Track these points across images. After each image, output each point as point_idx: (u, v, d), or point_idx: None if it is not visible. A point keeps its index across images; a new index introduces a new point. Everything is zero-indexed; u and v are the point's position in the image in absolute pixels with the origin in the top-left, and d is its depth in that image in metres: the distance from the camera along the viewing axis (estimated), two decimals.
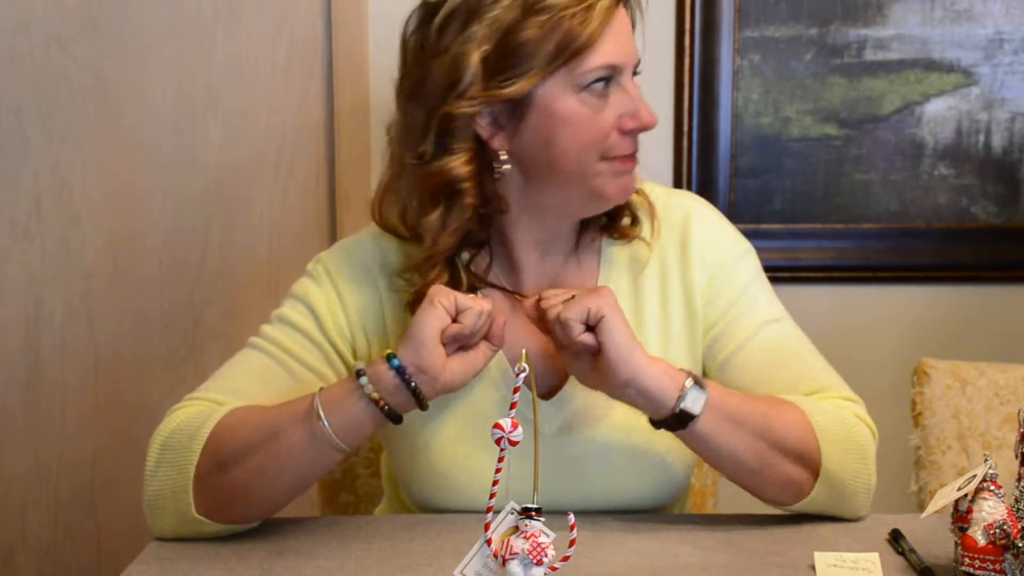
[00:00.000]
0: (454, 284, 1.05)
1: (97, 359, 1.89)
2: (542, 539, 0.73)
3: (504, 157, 1.03)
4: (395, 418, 0.97)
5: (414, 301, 1.05)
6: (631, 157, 1.05)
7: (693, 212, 1.13)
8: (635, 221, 1.11)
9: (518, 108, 1.01)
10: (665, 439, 1.04)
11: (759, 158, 1.71)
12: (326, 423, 0.95)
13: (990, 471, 0.89)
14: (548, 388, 1.08)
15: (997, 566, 0.87)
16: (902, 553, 0.97)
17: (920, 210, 1.73)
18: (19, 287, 1.87)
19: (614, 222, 1.11)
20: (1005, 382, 1.38)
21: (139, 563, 0.94)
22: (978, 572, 0.88)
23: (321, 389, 0.99)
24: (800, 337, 1.13)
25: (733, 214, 1.19)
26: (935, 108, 1.71)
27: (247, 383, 1.06)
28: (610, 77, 1.02)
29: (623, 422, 1.07)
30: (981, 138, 1.71)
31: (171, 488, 1.00)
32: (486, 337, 0.99)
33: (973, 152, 1.72)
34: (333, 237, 1.88)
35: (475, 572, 0.74)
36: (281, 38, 1.83)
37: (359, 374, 0.96)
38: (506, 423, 0.74)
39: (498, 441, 0.74)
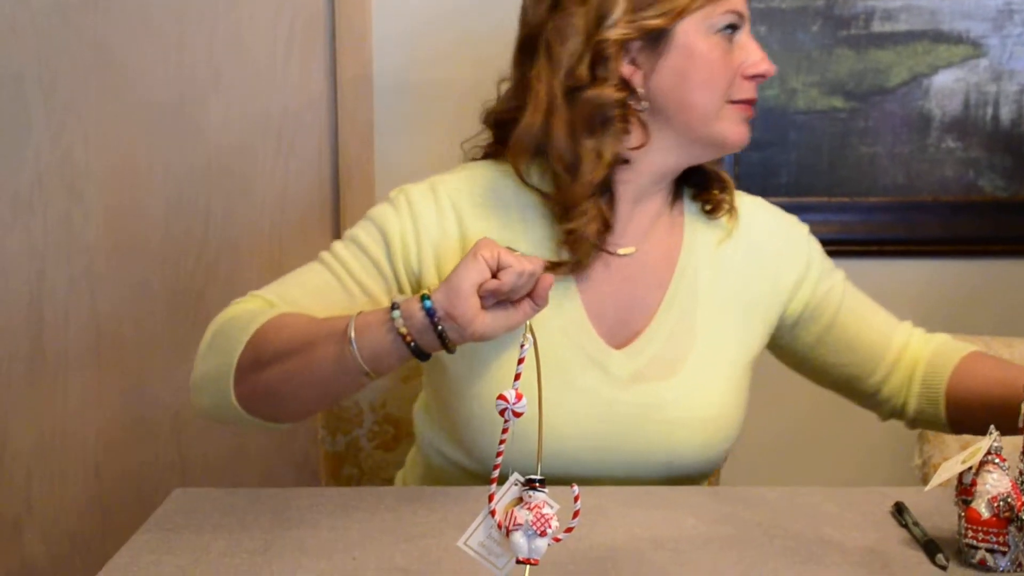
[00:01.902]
0: (603, 224, 1.10)
1: (99, 333, 1.90)
2: (546, 510, 0.73)
3: (642, 92, 1.09)
4: (421, 355, 1.00)
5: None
6: (752, 103, 1.12)
7: (753, 198, 1.23)
8: (723, 191, 1.18)
9: (658, 45, 1.08)
10: (729, 396, 1.14)
11: (765, 131, 1.70)
12: (355, 345, 0.99)
13: (995, 444, 0.89)
14: (622, 338, 1.13)
15: (1001, 539, 0.88)
16: (905, 526, 0.98)
17: (927, 183, 1.73)
18: (21, 261, 1.87)
19: (703, 191, 1.19)
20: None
21: (143, 533, 0.95)
22: (982, 545, 0.88)
23: (360, 313, 1.02)
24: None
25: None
26: (943, 80, 1.70)
27: (305, 295, 1.10)
28: (736, 25, 1.10)
29: (693, 376, 1.13)
30: (989, 110, 1.70)
31: (215, 373, 1.05)
32: (531, 295, 1.00)
33: (981, 125, 1.71)
34: (336, 212, 1.88)
35: (479, 543, 0.74)
36: (283, 10, 1.82)
37: (394, 307, 0.99)
38: (510, 394, 0.74)
39: (502, 412, 0.74)
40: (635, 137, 1.11)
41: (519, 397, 0.74)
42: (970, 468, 0.89)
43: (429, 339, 0.99)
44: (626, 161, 1.12)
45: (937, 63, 1.69)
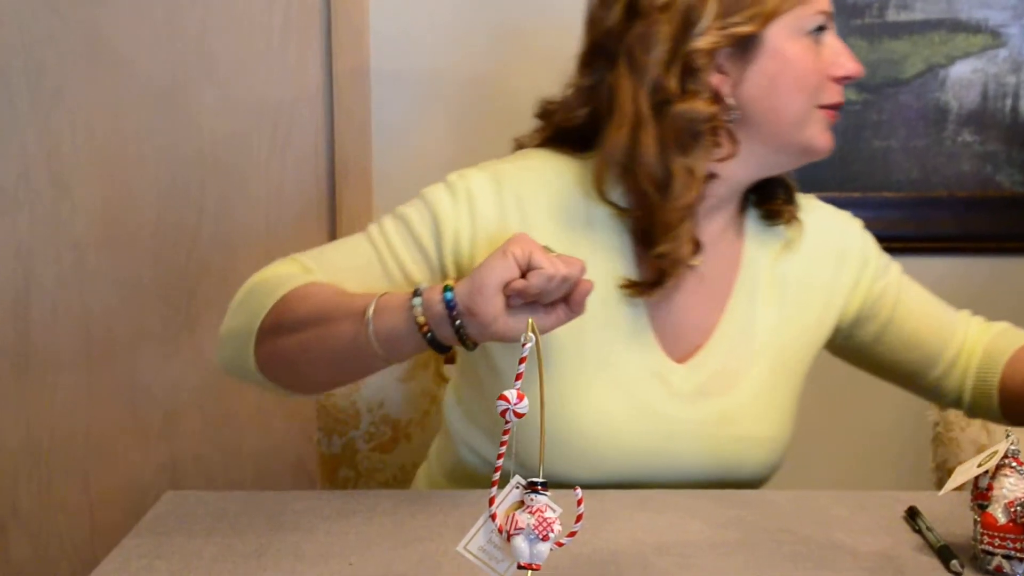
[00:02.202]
0: (695, 245, 1.09)
1: (89, 330, 1.90)
2: (548, 514, 0.73)
3: (731, 101, 1.08)
4: (439, 347, 0.98)
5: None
6: (839, 107, 1.11)
7: (806, 197, 1.21)
8: (787, 201, 1.17)
9: (747, 51, 1.07)
10: (787, 412, 1.15)
11: None
12: (371, 326, 0.97)
13: (1012, 447, 0.89)
14: (683, 352, 1.13)
15: (1018, 544, 0.87)
16: (919, 531, 0.98)
17: (942, 178, 1.72)
18: (7, 256, 1.87)
19: (767, 200, 1.17)
20: None
21: (134, 537, 0.94)
22: (998, 551, 0.88)
23: (385, 294, 1.00)
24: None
25: None
26: (960, 71, 1.70)
27: (344, 268, 1.09)
28: (824, 26, 1.09)
29: (754, 390, 1.13)
30: (1008, 102, 1.70)
31: (239, 331, 1.06)
32: (567, 300, 0.97)
33: (999, 117, 1.71)
34: (332, 206, 1.88)
35: (479, 547, 0.74)
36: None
37: (416, 292, 0.97)
38: (512, 395, 0.74)
39: (503, 413, 0.74)
40: (723, 149, 1.09)
41: (520, 397, 0.74)
42: (986, 472, 0.89)
43: (446, 332, 0.96)
44: (713, 176, 1.10)
45: (954, 53, 1.69)
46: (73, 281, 1.88)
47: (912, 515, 1.01)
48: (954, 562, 0.89)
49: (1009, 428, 0.91)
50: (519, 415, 0.74)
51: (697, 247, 1.10)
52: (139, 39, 1.82)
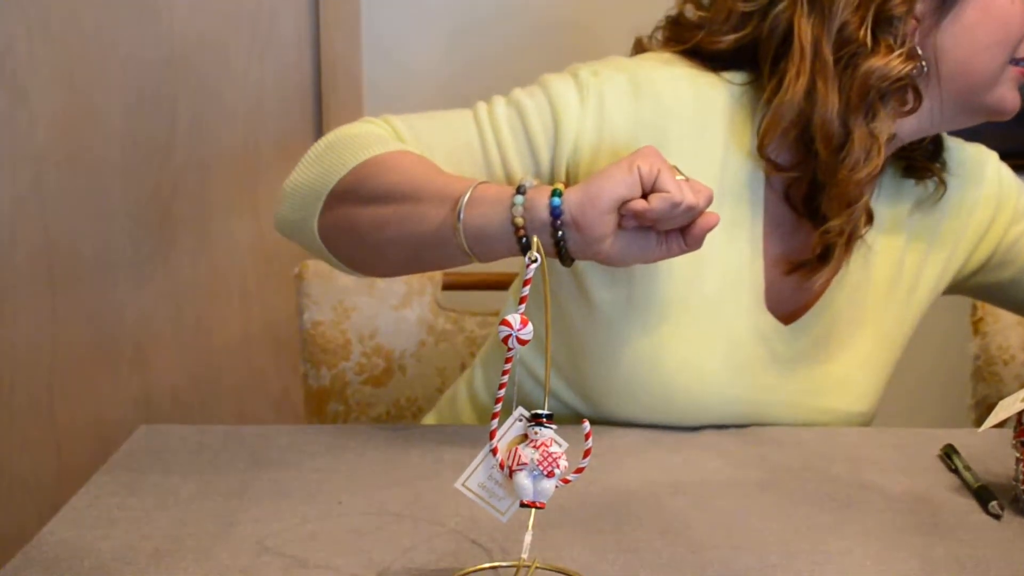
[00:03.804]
0: (869, 216, 1.07)
1: (52, 254, 1.90)
2: (553, 449, 0.73)
3: (920, 53, 1.04)
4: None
5: None
6: None
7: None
8: (935, 157, 1.15)
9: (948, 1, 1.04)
10: (883, 386, 1.15)
11: None
12: (462, 215, 0.94)
13: None
14: (788, 312, 1.11)
15: None
16: (956, 471, 0.99)
17: None
18: None
19: (912, 153, 1.13)
20: None
21: (105, 474, 0.96)
22: None
23: (484, 183, 0.97)
24: None
25: None
26: None
27: (438, 144, 1.06)
28: None
29: (856, 361, 1.13)
30: None
31: (309, 187, 1.03)
32: (685, 231, 0.95)
33: None
34: (319, 115, 1.87)
35: (479, 484, 0.75)
36: None
37: (520, 189, 0.94)
38: (514, 319, 0.74)
39: (505, 340, 0.74)
40: (905, 107, 1.05)
41: (524, 322, 0.74)
42: None
43: (545, 241, 0.93)
44: (891, 137, 1.05)
45: None
46: (32, 200, 1.88)
47: (949, 454, 1.02)
48: (993, 503, 0.91)
49: None
50: (522, 342, 0.74)
51: (870, 218, 1.07)
52: None
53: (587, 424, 0.74)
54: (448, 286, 1.51)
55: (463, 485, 0.75)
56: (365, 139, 1.03)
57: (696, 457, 1.02)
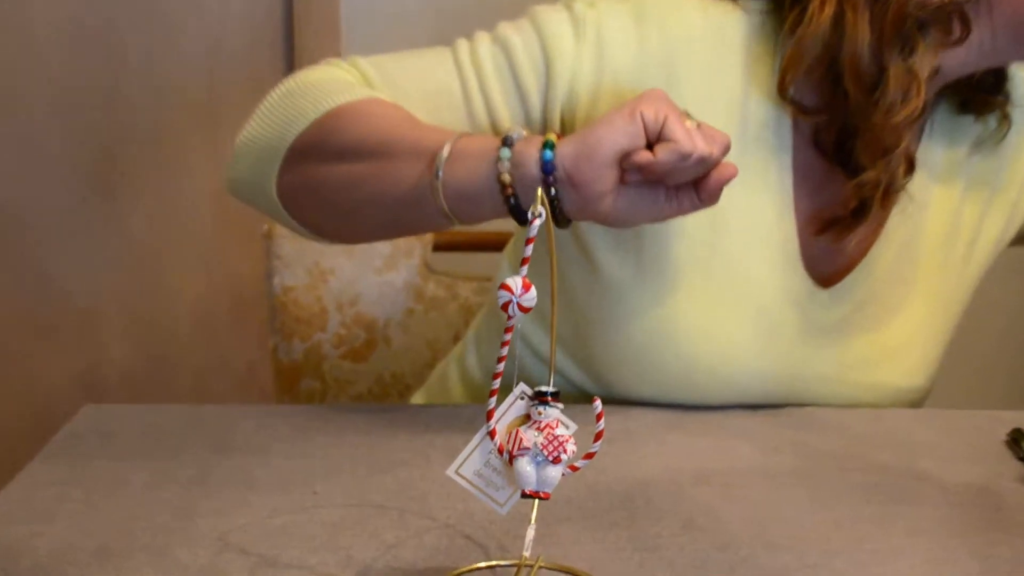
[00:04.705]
0: (909, 165, 1.05)
1: None
2: (560, 431, 0.74)
3: None
4: (520, 216, 0.96)
5: None
6: None
7: None
8: (995, 89, 1.13)
9: None
10: (939, 356, 1.15)
11: None
12: (441, 172, 0.94)
13: None
14: (827, 274, 1.11)
15: None
16: (1023, 459, 0.99)
17: None
18: None
19: (968, 88, 1.12)
20: None
21: (43, 460, 0.96)
22: None
23: (466, 135, 0.97)
24: None
25: None
26: None
27: (414, 90, 1.06)
28: None
29: (908, 330, 1.13)
30: None
31: (265, 142, 1.03)
32: (699, 185, 0.95)
33: None
34: (290, 53, 1.86)
35: (474, 471, 0.75)
36: None
37: (506, 141, 0.94)
38: (515, 283, 0.74)
39: (505, 306, 0.74)
40: (950, 37, 1.03)
41: (527, 287, 0.75)
42: None
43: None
44: (934, 72, 1.03)
45: None
46: None
47: (1017, 439, 1.02)
48: None
49: None
50: (524, 309, 0.75)
51: (911, 166, 1.06)
52: None
53: (599, 403, 0.74)
54: (440, 246, 1.51)
55: (456, 473, 0.75)
56: (329, 86, 1.03)
57: (724, 442, 1.02)
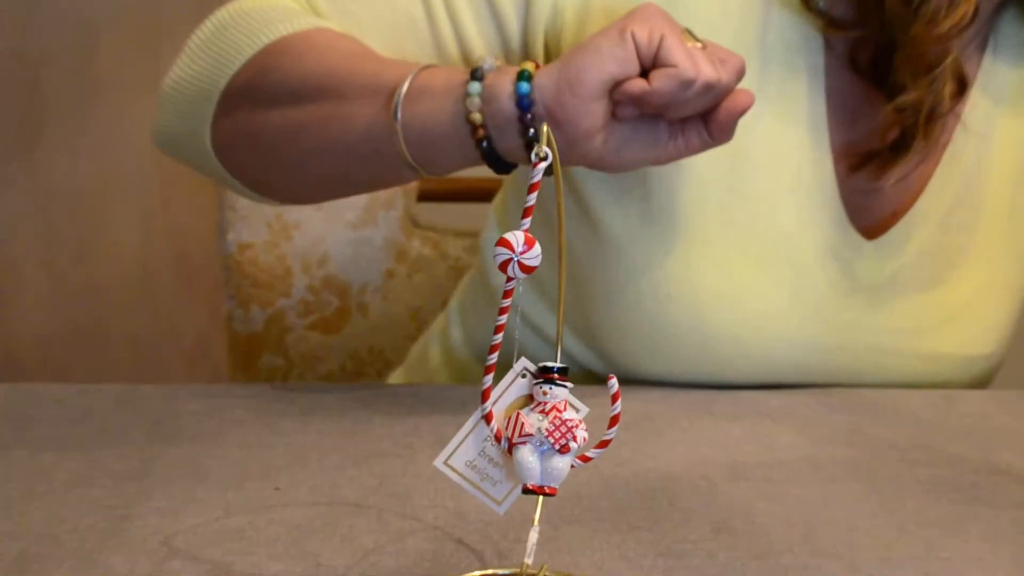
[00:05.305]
0: (959, 84, 1.05)
1: None
2: (569, 415, 0.74)
3: None
4: (499, 165, 0.96)
5: None
6: None
7: None
8: None
9: None
10: (1013, 319, 1.16)
11: None
12: (399, 112, 0.95)
13: None
14: (874, 222, 1.12)
15: None
16: None
17: None
18: None
19: None
20: None
21: None
22: None
23: (428, 67, 0.98)
24: None
25: None
26: None
27: (370, 18, 1.06)
28: None
29: (972, 289, 1.13)
30: None
31: (196, 84, 1.04)
32: (708, 119, 0.95)
33: None
34: None
35: (466, 462, 0.75)
36: None
37: (475, 74, 0.94)
38: (516, 238, 0.74)
39: (504, 266, 0.75)
40: None
41: (530, 243, 0.75)
42: None
43: (512, 142, 0.94)
44: None
45: None
46: None
47: None
48: None
49: None
50: (527, 269, 0.75)
51: (963, 86, 1.06)
52: None
53: (614, 381, 0.75)
54: (426, 195, 1.52)
55: (445, 464, 0.76)
56: (267, 15, 1.03)
57: (762, 428, 1.03)
